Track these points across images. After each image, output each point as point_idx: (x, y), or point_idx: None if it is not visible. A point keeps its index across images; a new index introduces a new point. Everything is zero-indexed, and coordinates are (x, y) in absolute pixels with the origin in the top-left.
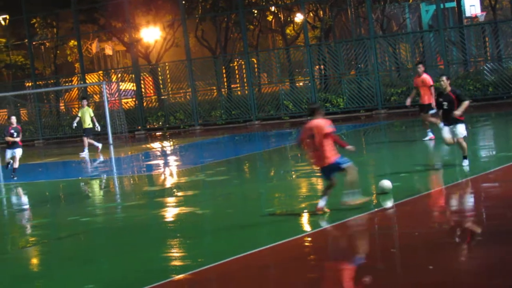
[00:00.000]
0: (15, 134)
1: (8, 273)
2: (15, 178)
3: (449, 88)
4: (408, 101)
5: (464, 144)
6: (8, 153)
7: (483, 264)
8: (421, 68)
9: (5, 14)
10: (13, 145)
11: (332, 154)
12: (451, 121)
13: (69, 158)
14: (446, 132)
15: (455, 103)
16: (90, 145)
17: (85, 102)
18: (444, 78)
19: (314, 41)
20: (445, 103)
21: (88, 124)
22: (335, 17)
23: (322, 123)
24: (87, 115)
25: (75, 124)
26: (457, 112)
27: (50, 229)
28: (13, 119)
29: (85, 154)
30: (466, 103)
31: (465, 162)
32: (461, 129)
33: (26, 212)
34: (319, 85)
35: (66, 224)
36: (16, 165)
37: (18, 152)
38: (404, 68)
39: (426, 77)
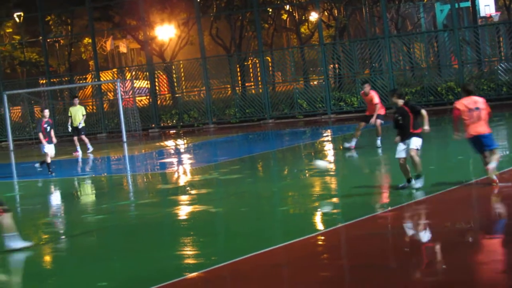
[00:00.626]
0: (49, 128)
1: (21, 271)
2: (53, 174)
3: (401, 102)
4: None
5: (417, 159)
6: (49, 149)
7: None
8: (367, 87)
9: (20, 11)
10: (50, 140)
11: (487, 126)
12: (407, 136)
13: (82, 156)
14: (400, 149)
15: (410, 117)
16: (75, 144)
17: (76, 100)
18: (394, 96)
19: (329, 40)
20: (400, 117)
21: (80, 122)
22: (349, 16)
23: (482, 99)
24: (79, 114)
25: (69, 127)
26: (426, 128)
27: (63, 226)
28: (46, 112)
29: (90, 151)
30: (424, 113)
31: (418, 183)
32: (415, 141)
33: (39, 210)
34: (333, 84)
35: (79, 222)
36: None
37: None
38: (419, 68)
39: (373, 95)
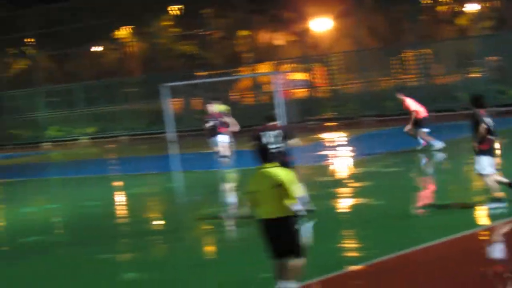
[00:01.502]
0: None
1: (183, 262)
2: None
3: (475, 109)
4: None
5: (489, 182)
6: (218, 141)
7: None
8: (398, 96)
9: (178, 5)
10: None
11: None
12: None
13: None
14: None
15: (475, 128)
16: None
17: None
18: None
19: (488, 32)
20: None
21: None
22: (509, 7)
23: None
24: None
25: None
26: (475, 143)
27: (221, 218)
28: (216, 106)
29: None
30: (480, 128)
31: (492, 205)
32: (478, 164)
33: (201, 201)
34: (493, 76)
35: (233, 214)
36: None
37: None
38: None
39: (408, 102)
